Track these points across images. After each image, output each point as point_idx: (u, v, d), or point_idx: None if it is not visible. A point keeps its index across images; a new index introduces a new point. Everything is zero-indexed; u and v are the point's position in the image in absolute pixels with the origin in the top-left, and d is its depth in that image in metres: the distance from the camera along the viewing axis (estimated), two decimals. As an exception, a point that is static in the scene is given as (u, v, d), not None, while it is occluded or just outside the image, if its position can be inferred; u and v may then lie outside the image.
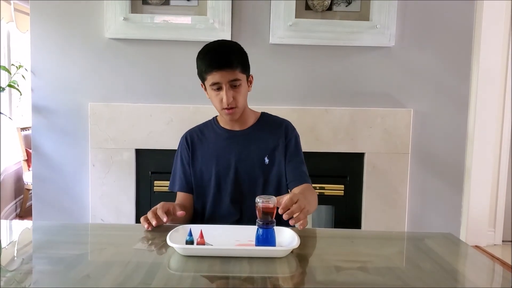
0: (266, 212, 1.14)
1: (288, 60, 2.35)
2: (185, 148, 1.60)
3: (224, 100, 1.43)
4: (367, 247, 1.24)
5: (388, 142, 2.36)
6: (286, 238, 1.19)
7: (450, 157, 2.42)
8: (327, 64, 2.36)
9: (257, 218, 1.15)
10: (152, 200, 2.35)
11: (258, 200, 1.14)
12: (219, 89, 1.44)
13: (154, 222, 1.27)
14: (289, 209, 1.12)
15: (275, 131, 1.58)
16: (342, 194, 2.39)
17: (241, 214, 1.54)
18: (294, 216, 1.13)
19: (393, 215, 2.38)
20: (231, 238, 1.21)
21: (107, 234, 1.35)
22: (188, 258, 1.07)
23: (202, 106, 2.26)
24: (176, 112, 2.31)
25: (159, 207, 1.30)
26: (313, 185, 1.58)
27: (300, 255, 1.11)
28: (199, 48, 1.49)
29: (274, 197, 1.16)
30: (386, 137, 2.36)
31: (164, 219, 1.26)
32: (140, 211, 2.36)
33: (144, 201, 2.36)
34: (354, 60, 2.36)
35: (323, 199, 2.36)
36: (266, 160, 1.55)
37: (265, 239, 1.14)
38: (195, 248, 1.11)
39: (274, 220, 1.15)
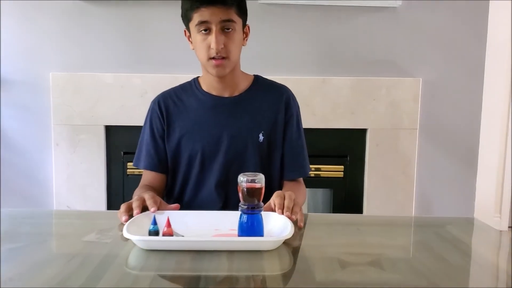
0: (252, 194, 0.94)
1: (280, 22, 2.19)
2: (157, 117, 1.36)
3: (213, 45, 1.21)
4: (376, 235, 1.05)
5: (393, 116, 2.25)
6: (277, 225, 1.01)
7: (464, 133, 2.32)
8: (325, 27, 2.21)
9: (240, 201, 0.96)
10: (126, 185, 2.22)
11: (242, 178, 0.95)
12: (207, 31, 1.22)
13: (135, 212, 1.04)
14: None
15: (273, 101, 1.37)
16: (342, 175, 2.30)
17: (226, 201, 1.34)
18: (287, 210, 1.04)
19: (399, 198, 2.28)
20: (209, 226, 1.03)
21: (57, 223, 1.16)
22: (150, 253, 0.87)
23: (182, 76, 2.04)
24: (151, 82, 2.15)
25: (148, 197, 1.08)
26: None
27: (294, 247, 0.92)
28: (177, 8, 1.29)
29: (261, 174, 0.96)
30: (392, 111, 2.24)
31: (152, 209, 1.04)
32: (112, 197, 2.23)
33: (116, 185, 2.23)
34: (355, 22, 2.22)
35: (320, 182, 2.29)
36: (261, 138, 1.33)
37: (250, 227, 0.95)
38: (158, 241, 0.91)
39: (262, 203, 0.96)
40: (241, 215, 0.96)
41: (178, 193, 1.38)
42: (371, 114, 2.24)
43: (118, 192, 2.21)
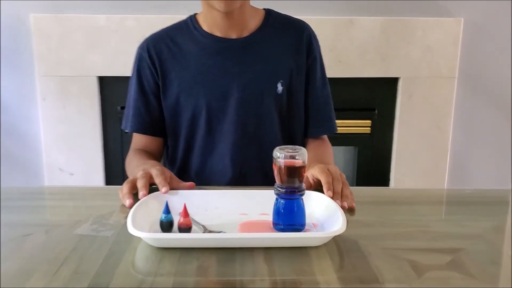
0: (292, 173, 0.76)
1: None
2: (147, 67, 1.15)
3: None
4: (440, 220, 0.89)
5: (430, 63, 2.06)
6: (318, 209, 0.84)
7: (509, 83, 2.12)
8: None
9: (275, 182, 0.78)
10: (124, 143, 2.03)
11: (279, 154, 0.77)
12: None
13: (142, 193, 0.86)
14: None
15: (291, 41, 1.17)
16: (369, 131, 2.14)
17: (242, 169, 1.17)
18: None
19: (432, 156, 2.14)
20: (233, 210, 0.86)
21: (44, 206, 0.99)
22: (164, 251, 0.71)
23: (185, 16, 1.87)
24: (149, 25, 1.85)
25: (157, 173, 0.90)
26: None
27: (345, 241, 0.75)
28: None
29: (303, 148, 0.78)
30: (428, 57, 2.06)
31: (164, 189, 0.87)
32: (109, 157, 2.07)
33: (114, 144, 2.06)
34: (388, -50, 1.97)
35: (343, 139, 2.13)
36: (279, 88, 1.14)
37: (289, 214, 0.79)
38: (175, 238, 0.74)
39: (303, 185, 0.78)
40: (277, 199, 0.78)
41: (182, 161, 1.20)
42: (405, 61, 2.05)
43: (116, 152, 2.05)
